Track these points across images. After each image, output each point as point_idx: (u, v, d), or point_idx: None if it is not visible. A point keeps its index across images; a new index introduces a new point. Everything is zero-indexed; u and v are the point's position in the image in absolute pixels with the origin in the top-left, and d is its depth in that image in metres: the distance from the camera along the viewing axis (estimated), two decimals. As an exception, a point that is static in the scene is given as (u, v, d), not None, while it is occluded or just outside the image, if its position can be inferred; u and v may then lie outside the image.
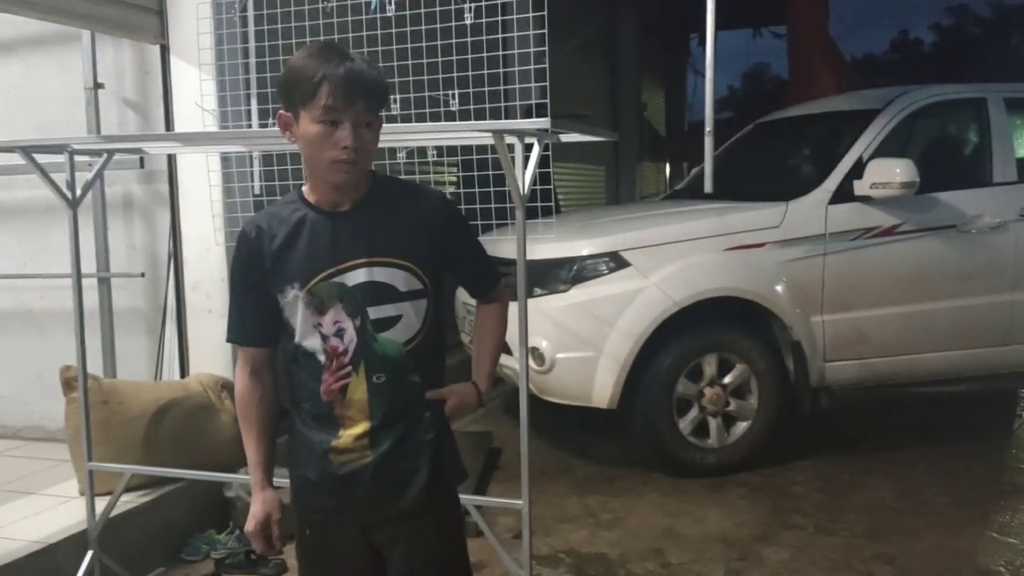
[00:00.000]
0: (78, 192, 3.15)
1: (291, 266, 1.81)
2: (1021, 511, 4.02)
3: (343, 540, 1.91)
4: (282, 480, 2.01)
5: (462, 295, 4.99)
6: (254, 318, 1.89)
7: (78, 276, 3.20)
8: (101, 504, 3.23)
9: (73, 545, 3.28)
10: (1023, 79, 6.23)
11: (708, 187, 4.44)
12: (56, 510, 3.61)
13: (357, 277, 1.80)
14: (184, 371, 4.44)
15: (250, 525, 1.93)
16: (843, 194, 4.70)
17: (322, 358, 1.83)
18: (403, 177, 2.01)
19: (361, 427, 1.83)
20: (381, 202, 1.85)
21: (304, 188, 1.87)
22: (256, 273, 1.84)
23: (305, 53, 1.77)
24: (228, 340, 1.96)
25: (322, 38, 3.68)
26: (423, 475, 1.88)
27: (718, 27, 5.49)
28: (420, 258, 1.85)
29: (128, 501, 3.57)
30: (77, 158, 3.18)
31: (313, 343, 1.83)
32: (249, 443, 1.95)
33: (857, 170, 4.72)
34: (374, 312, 1.81)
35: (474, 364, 2.06)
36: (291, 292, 1.81)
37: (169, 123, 4.32)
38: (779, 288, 4.57)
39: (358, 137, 1.73)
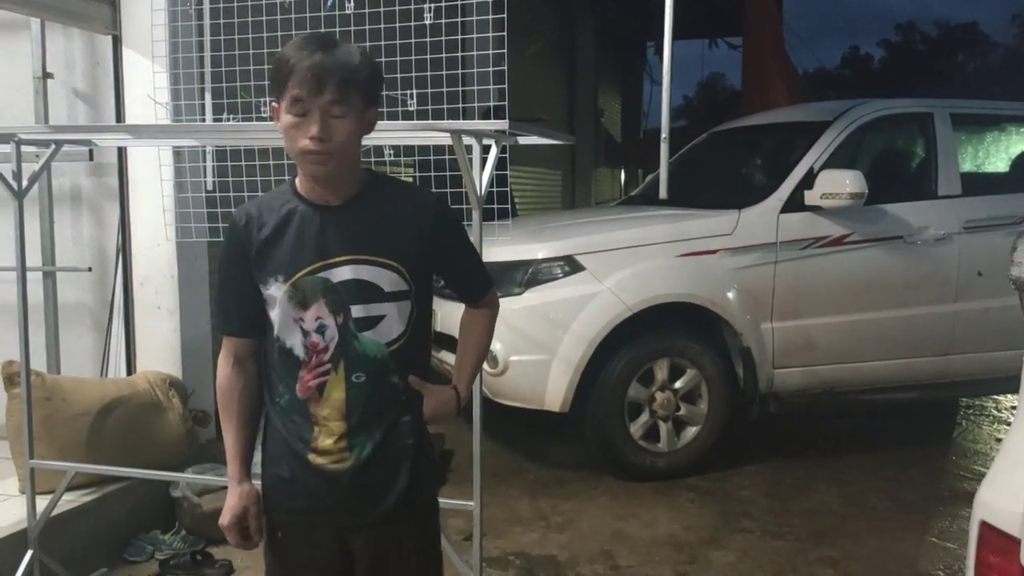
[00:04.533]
0: (24, 183, 3.07)
1: (276, 258, 1.77)
2: (960, 517, 4.11)
3: (315, 543, 1.87)
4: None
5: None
6: (238, 307, 1.85)
7: (23, 269, 3.12)
8: (42, 503, 3.16)
9: (12, 545, 3.19)
10: (968, 95, 6.40)
11: (663, 193, 4.49)
12: (-5, 509, 3.52)
13: (342, 274, 1.76)
14: (131, 368, 4.36)
15: (225, 518, 1.86)
16: (794, 203, 4.78)
17: (301, 354, 1.79)
18: (399, 177, 1.97)
19: (337, 427, 1.79)
20: (373, 200, 1.82)
21: (296, 180, 1.83)
22: (241, 262, 1.81)
23: (290, 43, 1.74)
24: (215, 328, 1.92)
25: (279, 34, 3.65)
26: (402, 483, 1.84)
27: (674, 36, 5.56)
28: (407, 260, 1.81)
29: (71, 500, 3.49)
30: (24, 148, 3.10)
31: (292, 338, 1.79)
32: (228, 434, 1.89)
33: (808, 180, 4.80)
34: (357, 310, 1.77)
35: (456, 369, 2.02)
36: (274, 284, 1.77)
37: (120, 115, 4.24)
38: (730, 295, 4.63)
39: (326, 127, 1.69)
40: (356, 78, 1.72)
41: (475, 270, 2.02)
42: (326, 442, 1.80)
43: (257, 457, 1.92)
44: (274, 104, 1.75)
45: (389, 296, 1.79)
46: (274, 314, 1.79)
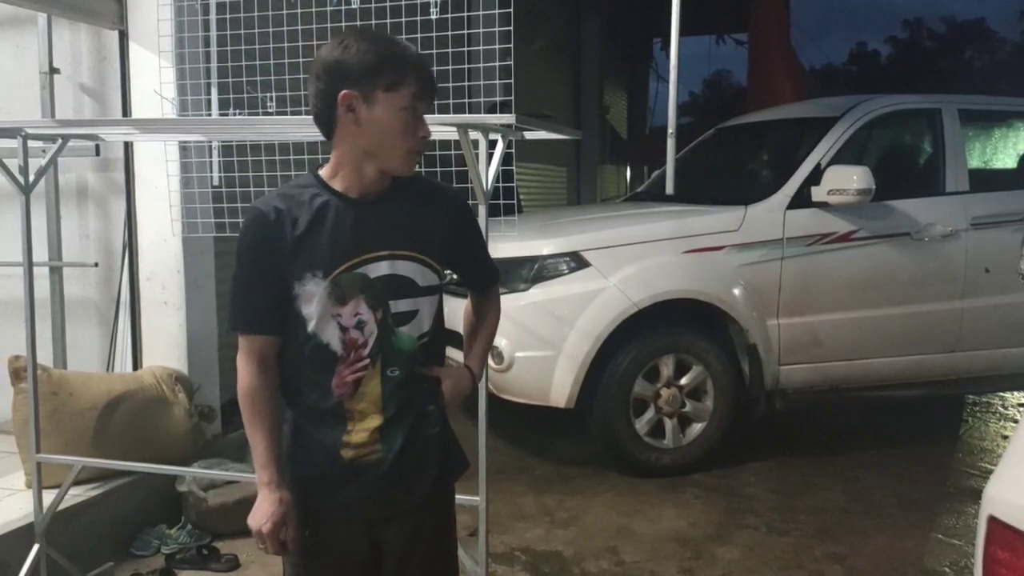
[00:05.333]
0: (31, 178, 3.07)
1: (313, 253, 1.74)
2: (966, 514, 4.10)
3: (345, 538, 1.87)
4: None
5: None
6: (266, 305, 1.78)
7: (29, 264, 3.12)
8: (49, 497, 3.16)
9: (19, 538, 3.20)
10: (976, 91, 6.36)
11: (669, 189, 4.48)
12: (1, 502, 3.52)
13: (379, 269, 1.77)
14: (137, 363, 4.37)
15: (267, 526, 1.79)
16: (801, 199, 4.76)
17: (338, 350, 1.77)
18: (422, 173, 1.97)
19: (372, 421, 1.80)
20: (403, 195, 1.82)
21: (323, 172, 1.80)
22: (272, 257, 1.75)
23: (375, 36, 1.75)
24: (233, 329, 1.82)
25: (285, 29, 3.65)
26: (433, 470, 1.88)
27: (681, 33, 5.52)
28: (436, 254, 1.84)
29: (77, 494, 3.50)
30: (31, 143, 3.10)
31: (330, 334, 1.77)
32: (259, 438, 1.81)
33: (815, 176, 4.78)
34: (394, 305, 1.79)
35: (467, 350, 2.07)
36: (311, 280, 1.74)
37: (126, 111, 4.24)
38: (736, 291, 4.61)
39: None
40: None
41: (487, 261, 2.07)
42: (359, 437, 1.80)
43: None
44: (351, 93, 1.70)
45: (423, 290, 1.82)
46: (309, 310, 1.75)
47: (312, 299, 1.75)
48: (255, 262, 1.78)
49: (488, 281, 2.08)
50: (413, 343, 1.82)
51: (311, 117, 1.80)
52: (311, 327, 1.76)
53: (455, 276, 2.11)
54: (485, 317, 2.07)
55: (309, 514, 1.86)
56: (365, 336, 1.78)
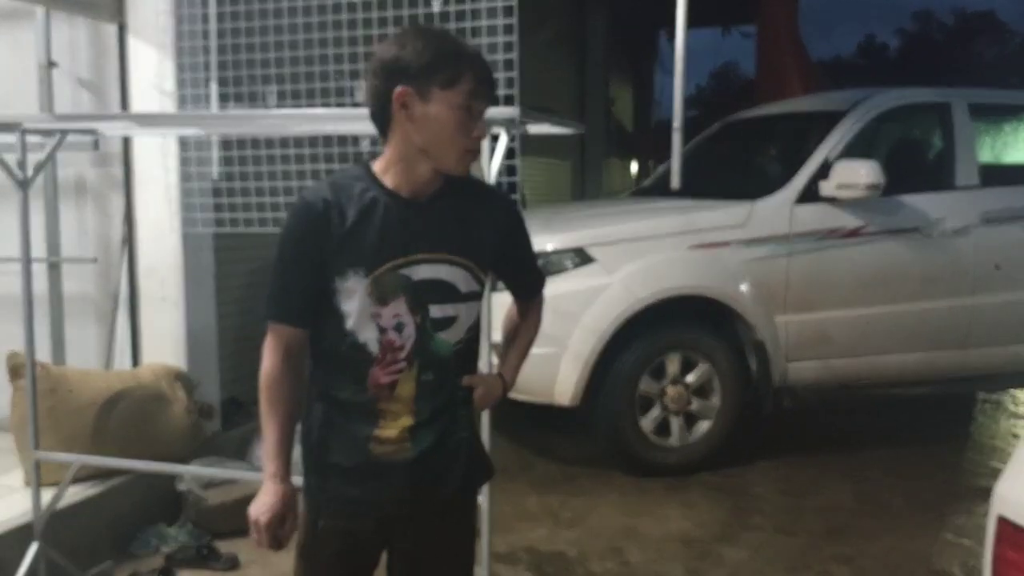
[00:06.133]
0: (29, 172, 3.04)
1: (358, 250, 1.71)
2: (976, 513, 4.05)
3: (358, 532, 1.84)
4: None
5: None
6: (302, 297, 1.76)
7: (27, 260, 3.09)
8: (47, 495, 3.14)
9: (17, 537, 3.18)
10: (986, 84, 6.30)
11: (675, 184, 4.42)
12: (0, 501, 3.49)
13: (423, 272, 1.74)
14: (136, 360, 4.34)
15: (264, 516, 1.76)
16: (809, 194, 4.71)
17: (375, 351, 1.75)
18: (474, 176, 1.92)
19: (404, 421, 1.78)
20: (454, 197, 1.79)
21: (376, 167, 1.76)
22: (316, 248, 1.71)
23: (433, 33, 1.73)
24: (267, 316, 1.79)
25: (285, 22, 3.60)
26: (459, 471, 1.86)
27: (687, 25, 5.46)
28: (481, 260, 1.81)
29: (76, 492, 3.47)
30: (29, 138, 3.07)
31: (367, 334, 1.74)
32: (272, 429, 1.79)
33: (823, 171, 4.73)
34: (434, 310, 1.76)
35: (503, 358, 2.05)
36: (353, 277, 1.71)
37: (125, 105, 4.21)
38: (743, 287, 4.56)
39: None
40: None
41: (535, 268, 2.04)
42: (390, 433, 1.78)
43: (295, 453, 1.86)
44: (407, 89, 1.67)
45: (463, 297, 1.79)
46: (349, 307, 1.73)
47: (352, 296, 1.72)
48: (297, 253, 1.75)
49: (534, 289, 2.05)
50: (449, 349, 1.79)
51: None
52: (349, 324, 1.73)
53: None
54: (526, 325, 2.05)
55: (330, 505, 1.83)
56: (403, 339, 1.75)
